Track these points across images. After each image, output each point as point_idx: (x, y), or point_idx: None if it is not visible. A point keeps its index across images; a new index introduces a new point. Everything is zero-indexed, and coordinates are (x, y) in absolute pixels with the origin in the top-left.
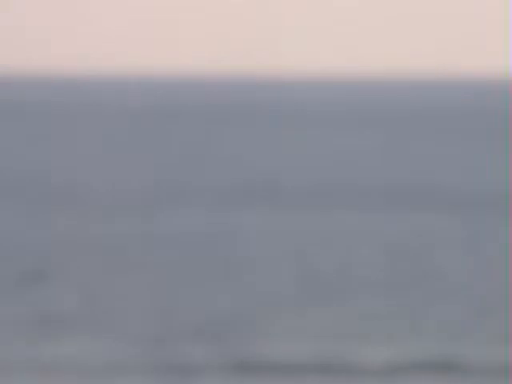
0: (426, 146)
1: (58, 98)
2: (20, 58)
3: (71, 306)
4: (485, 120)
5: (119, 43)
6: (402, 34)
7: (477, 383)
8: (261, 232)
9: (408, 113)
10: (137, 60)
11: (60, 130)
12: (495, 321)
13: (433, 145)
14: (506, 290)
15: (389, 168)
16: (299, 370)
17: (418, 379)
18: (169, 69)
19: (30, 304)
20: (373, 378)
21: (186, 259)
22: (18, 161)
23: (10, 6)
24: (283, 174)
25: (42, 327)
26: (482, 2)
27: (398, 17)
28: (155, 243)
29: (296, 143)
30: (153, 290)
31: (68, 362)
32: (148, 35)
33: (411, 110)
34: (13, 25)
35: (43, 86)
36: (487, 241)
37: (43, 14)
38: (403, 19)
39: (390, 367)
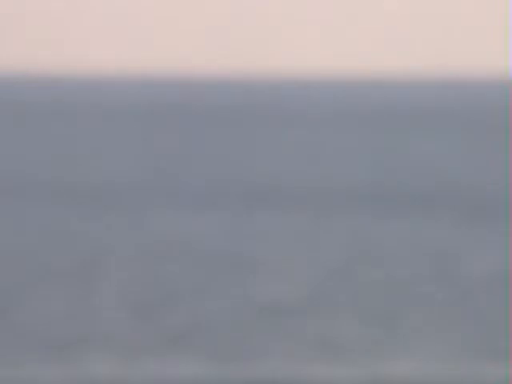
0: (426, 146)
1: (56, 97)
2: (20, 58)
3: None
4: (485, 120)
5: (118, 43)
6: (401, 34)
7: None
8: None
9: (407, 112)
10: (136, 60)
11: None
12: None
13: (432, 145)
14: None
15: (384, 169)
16: None
17: None
18: (167, 68)
19: None
20: None
21: (179, 259)
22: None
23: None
24: (282, 175)
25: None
26: (482, 2)
27: (398, 17)
28: (146, 244)
29: (293, 144)
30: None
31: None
32: (146, 35)
33: (411, 110)
34: (13, 24)
35: (43, 86)
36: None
37: (43, 13)
38: (403, 19)
39: None
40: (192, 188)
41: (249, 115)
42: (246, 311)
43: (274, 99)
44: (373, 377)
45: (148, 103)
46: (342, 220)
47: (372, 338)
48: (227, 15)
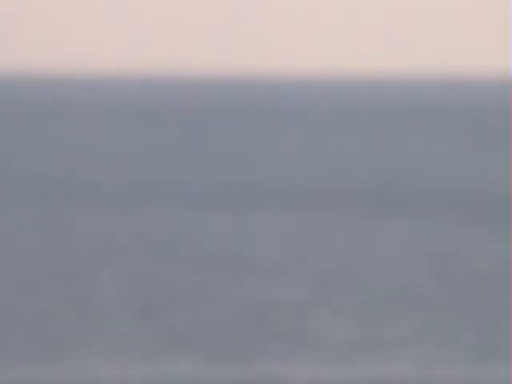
0: (426, 146)
1: (56, 97)
2: (20, 58)
3: None
4: (485, 120)
5: (118, 43)
6: (401, 34)
7: None
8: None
9: (407, 112)
10: (136, 60)
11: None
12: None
13: (432, 145)
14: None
15: (384, 169)
16: None
17: None
18: (167, 68)
19: None
20: None
21: (179, 259)
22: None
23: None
24: (282, 175)
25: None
26: (482, 2)
27: (398, 17)
28: (146, 242)
29: (293, 144)
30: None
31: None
32: (146, 35)
33: (411, 110)
34: (13, 24)
35: (43, 86)
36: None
37: (43, 13)
38: (403, 19)
39: None
40: (192, 188)
41: (249, 115)
42: (246, 311)
43: (273, 99)
44: (373, 377)
45: (148, 103)
46: (342, 220)
47: (372, 339)
48: (227, 15)
